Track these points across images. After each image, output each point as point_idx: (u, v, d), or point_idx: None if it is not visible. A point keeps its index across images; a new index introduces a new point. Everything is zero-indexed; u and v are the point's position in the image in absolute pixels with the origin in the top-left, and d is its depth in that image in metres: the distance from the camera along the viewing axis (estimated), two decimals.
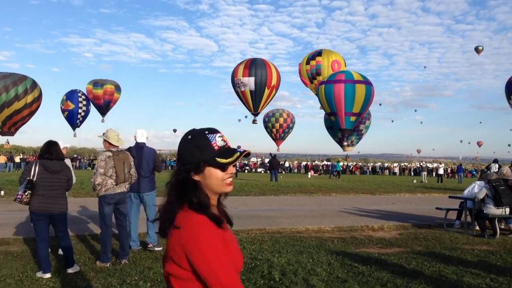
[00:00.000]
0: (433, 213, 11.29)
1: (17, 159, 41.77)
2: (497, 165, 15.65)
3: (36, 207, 5.30)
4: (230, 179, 1.70)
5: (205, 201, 1.62)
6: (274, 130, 36.87)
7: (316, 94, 25.31)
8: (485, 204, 8.83)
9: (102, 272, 5.48)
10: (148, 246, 6.73)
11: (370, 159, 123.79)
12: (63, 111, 34.26)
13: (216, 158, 1.63)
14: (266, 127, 37.35)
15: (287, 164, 59.66)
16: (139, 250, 6.71)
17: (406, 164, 72.25)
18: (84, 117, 34.95)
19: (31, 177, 5.32)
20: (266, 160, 51.05)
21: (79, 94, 34.08)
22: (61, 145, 5.86)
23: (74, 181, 5.97)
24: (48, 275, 5.26)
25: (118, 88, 35.81)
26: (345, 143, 26.94)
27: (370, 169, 62.06)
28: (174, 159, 59.76)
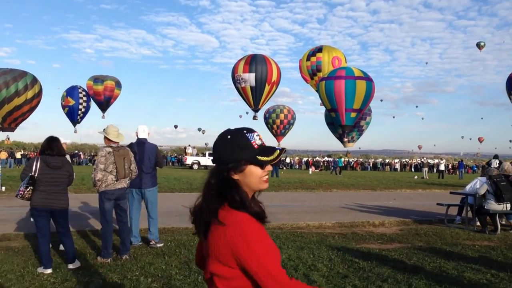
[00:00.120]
0: (434, 209, 11.29)
1: (18, 155, 41.80)
2: (497, 161, 15.64)
3: (38, 203, 5.31)
4: (267, 177, 1.73)
5: (247, 199, 1.66)
6: (274, 126, 36.82)
7: (316, 91, 25.25)
8: (486, 200, 8.82)
9: (103, 268, 5.49)
10: (150, 243, 6.73)
11: (371, 155, 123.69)
12: (63, 107, 34.22)
13: (257, 157, 1.66)
14: (267, 123, 37.30)
15: (288, 160, 59.64)
16: (140, 246, 6.72)
17: (407, 160, 72.25)
18: (85, 113, 34.91)
19: (32, 173, 5.32)
20: None
21: (80, 90, 34.02)
22: (61, 141, 5.85)
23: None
24: (49, 271, 5.27)
25: (118, 84, 35.75)
26: (346, 139, 26.88)
27: (371, 165, 62.03)
28: (175, 155, 59.97)
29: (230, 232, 1.54)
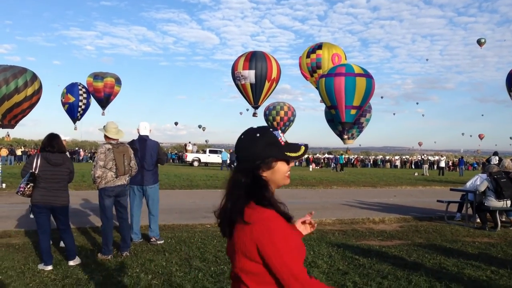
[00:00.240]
0: (434, 205, 11.30)
1: (18, 152, 41.82)
2: (497, 158, 15.63)
3: (38, 200, 5.31)
4: (289, 173, 1.77)
5: (273, 196, 1.68)
6: (274, 123, 36.83)
7: (316, 88, 25.23)
8: (486, 196, 8.82)
9: (104, 265, 5.50)
10: (151, 240, 6.74)
11: (371, 152, 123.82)
12: (63, 104, 34.21)
13: (286, 153, 1.70)
14: (267, 120, 37.30)
15: None
16: (141, 243, 6.73)
17: (407, 157, 72.25)
18: (85, 110, 34.90)
19: (33, 170, 5.32)
20: None
21: (80, 87, 34.01)
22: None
23: None
24: (49, 267, 5.28)
25: (118, 81, 35.74)
26: (346, 136, 26.88)
27: (371, 162, 62.10)
28: (176, 152, 59.98)
29: (257, 229, 1.56)
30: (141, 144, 6.84)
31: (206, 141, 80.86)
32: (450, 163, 56.81)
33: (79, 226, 7.92)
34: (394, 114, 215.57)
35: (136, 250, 6.29)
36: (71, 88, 33.93)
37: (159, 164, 7.12)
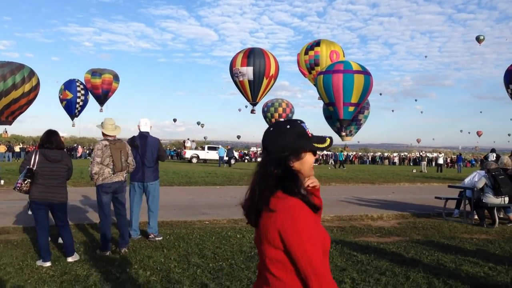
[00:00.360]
0: (432, 202, 11.32)
1: (16, 149, 41.74)
2: (494, 155, 15.64)
3: (36, 196, 5.30)
4: (313, 164, 1.82)
5: (303, 186, 1.72)
6: (273, 120, 36.79)
7: (314, 85, 25.23)
8: (484, 193, 8.84)
9: (102, 261, 5.50)
10: (149, 236, 6.74)
11: (370, 149, 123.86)
12: (61, 100, 34.15)
13: (314, 144, 1.77)
14: (265, 117, 37.29)
15: None
16: (139, 239, 6.73)
17: (406, 154, 72.39)
18: (83, 107, 34.85)
19: (31, 166, 5.31)
20: None
21: (77, 84, 33.94)
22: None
23: None
24: (48, 264, 5.28)
25: (116, 78, 35.66)
26: (343, 133, 26.89)
27: (370, 159, 62.13)
28: (174, 148, 59.94)
29: (281, 216, 1.60)
30: (142, 141, 6.83)
31: (204, 137, 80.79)
32: (448, 160, 56.88)
33: (77, 223, 7.92)
34: (392, 111, 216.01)
35: (134, 246, 6.29)
36: (69, 85, 33.87)
37: (159, 161, 7.11)
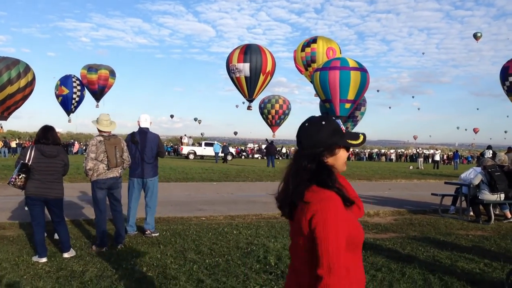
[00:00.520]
0: (429, 199, 11.35)
1: (13, 144, 41.59)
2: (491, 151, 15.68)
3: (32, 192, 5.29)
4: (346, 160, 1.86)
5: (338, 180, 1.75)
6: (270, 116, 36.79)
7: (311, 82, 25.21)
8: (480, 190, 8.87)
9: (98, 257, 5.49)
10: (146, 232, 6.73)
11: (367, 146, 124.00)
12: (57, 96, 33.99)
13: (348, 140, 1.80)
14: (262, 113, 37.24)
15: (284, 150, 59.69)
16: (136, 235, 6.72)
17: (402, 150, 72.50)
18: (79, 103, 34.71)
19: (26, 161, 5.29)
20: (263, 146, 51.09)
21: (74, 79, 33.78)
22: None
23: None
24: (44, 260, 5.27)
25: (112, 73, 35.52)
26: None
27: (366, 155, 62.20)
28: (171, 144, 59.87)
29: (313, 207, 1.64)
30: (142, 137, 6.80)
31: (201, 134, 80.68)
32: (445, 157, 57.04)
33: (73, 219, 7.90)
34: (390, 107, 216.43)
35: (131, 242, 6.29)
36: (65, 80, 33.72)
37: (159, 157, 7.09)
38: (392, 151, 68.15)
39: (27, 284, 4.46)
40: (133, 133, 6.90)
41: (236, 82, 27.38)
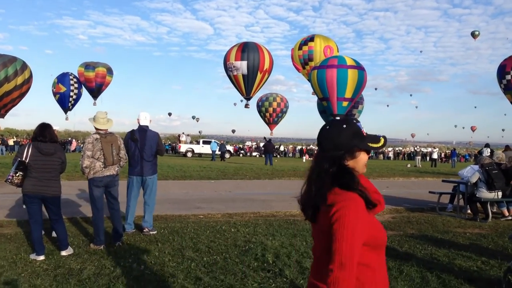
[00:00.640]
0: (426, 197, 11.37)
1: (10, 142, 41.50)
2: (489, 150, 15.73)
3: (29, 189, 5.28)
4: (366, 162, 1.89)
5: (360, 183, 1.76)
6: (267, 114, 36.75)
7: (308, 80, 25.20)
8: (477, 188, 8.88)
9: (96, 255, 5.49)
10: (144, 230, 6.72)
11: None
12: (54, 94, 33.88)
13: (369, 143, 1.82)
14: (260, 111, 37.20)
15: (282, 148, 59.72)
16: (133, 233, 6.72)
17: (400, 148, 72.60)
18: (76, 100, 34.60)
19: (23, 159, 5.28)
20: (261, 144, 51.10)
21: (71, 77, 33.67)
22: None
23: None
24: (41, 257, 5.26)
25: (110, 71, 35.42)
26: None
27: None
28: (169, 142, 59.85)
29: (335, 208, 1.67)
30: (141, 135, 6.79)
31: (199, 132, 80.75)
32: (443, 155, 57.18)
33: (71, 216, 7.90)
34: (387, 105, 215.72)
35: (128, 240, 6.28)
36: (62, 78, 33.61)
37: (158, 155, 7.07)
38: (390, 149, 68.14)
39: (25, 282, 4.46)
40: (133, 131, 6.88)
41: (233, 80, 27.35)
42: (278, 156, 51.99)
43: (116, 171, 6.10)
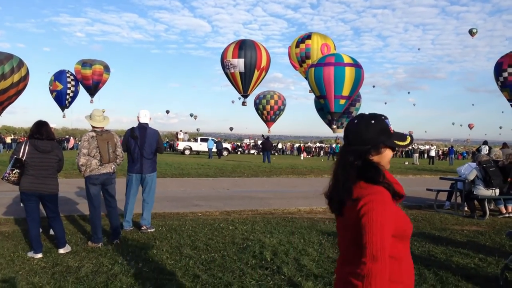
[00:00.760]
0: (424, 194, 11.38)
1: (8, 140, 41.36)
2: (487, 147, 15.74)
3: (26, 187, 5.26)
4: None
5: (385, 176, 1.79)
6: (265, 112, 36.74)
7: (305, 78, 25.20)
8: (475, 185, 8.90)
9: (94, 252, 5.48)
10: (142, 228, 6.71)
11: None
12: (51, 91, 33.78)
13: (395, 141, 1.84)
14: (257, 109, 37.18)
15: (280, 146, 59.71)
16: (131, 231, 6.71)
17: None
18: (73, 98, 34.51)
19: (20, 157, 5.26)
20: (259, 142, 51.09)
21: (68, 75, 33.58)
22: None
23: None
24: (39, 255, 5.25)
25: (107, 69, 35.33)
26: (334, 126, 26.93)
27: None
28: (167, 140, 59.75)
29: (362, 201, 1.69)
30: (141, 132, 6.77)
31: (197, 129, 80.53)
32: (440, 152, 57.26)
33: (68, 214, 7.89)
34: (385, 103, 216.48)
35: (126, 238, 6.28)
36: (59, 76, 33.51)
37: (158, 153, 7.06)
38: None
39: (23, 279, 4.45)
40: (133, 128, 6.87)
41: (230, 77, 27.33)
42: (276, 153, 51.98)
43: (112, 169, 6.09)
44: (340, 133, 29.80)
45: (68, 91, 33.44)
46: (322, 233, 6.80)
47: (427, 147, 58.94)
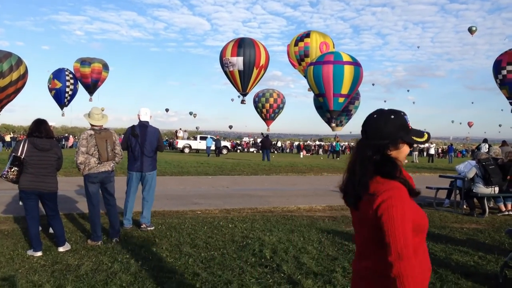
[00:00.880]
0: (423, 192, 11.22)
1: (7, 138, 41.34)
2: (487, 145, 15.75)
3: (25, 185, 5.25)
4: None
5: (402, 172, 1.80)
6: (264, 110, 36.75)
7: (304, 76, 25.20)
8: (474, 183, 8.90)
9: (93, 251, 5.48)
10: (141, 226, 6.71)
11: None
12: (50, 90, 33.77)
13: (413, 137, 1.85)
14: (256, 107, 37.19)
15: (279, 144, 59.73)
16: (131, 229, 6.71)
17: None
18: (72, 96, 34.50)
19: (19, 155, 5.25)
20: (259, 140, 51.10)
21: (67, 73, 33.56)
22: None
23: None
24: (39, 253, 5.25)
25: (106, 67, 35.31)
26: (333, 124, 26.95)
27: None
28: (167, 138, 59.75)
29: (380, 197, 1.69)
30: (142, 130, 6.76)
31: (197, 127, 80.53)
32: (440, 150, 57.28)
33: (68, 212, 7.88)
34: (385, 101, 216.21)
35: (126, 236, 6.27)
36: (58, 74, 33.49)
37: (158, 151, 7.05)
38: None
39: (22, 277, 4.44)
40: (133, 126, 6.86)
41: (229, 76, 27.33)
42: (276, 151, 52.00)
43: (111, 167, 6.08)
44: (340, 131, 29.83)
45: (67, 90, 33.42)
46: (322, 231, 6.81)
47: (426, 145, 58.97)
